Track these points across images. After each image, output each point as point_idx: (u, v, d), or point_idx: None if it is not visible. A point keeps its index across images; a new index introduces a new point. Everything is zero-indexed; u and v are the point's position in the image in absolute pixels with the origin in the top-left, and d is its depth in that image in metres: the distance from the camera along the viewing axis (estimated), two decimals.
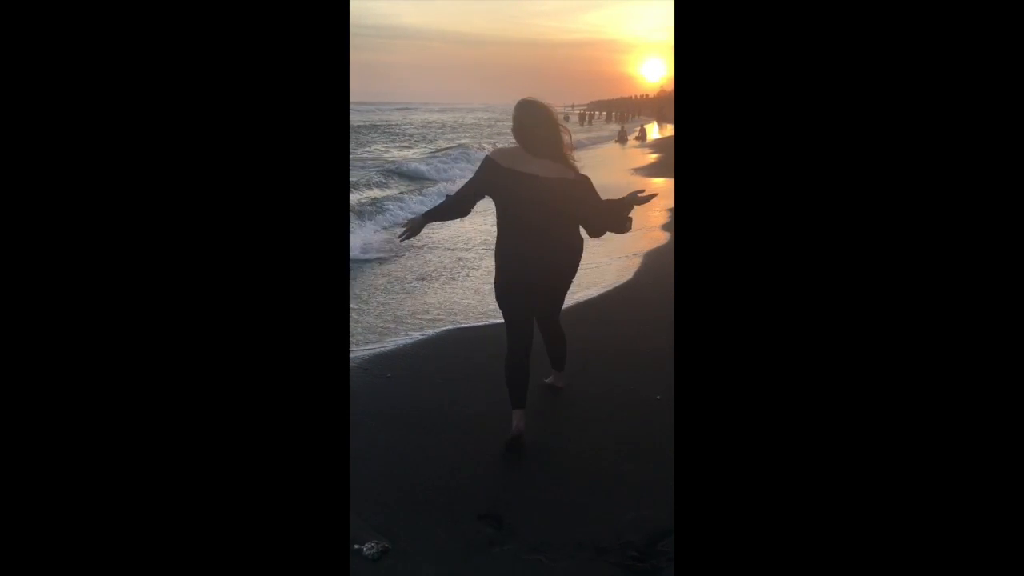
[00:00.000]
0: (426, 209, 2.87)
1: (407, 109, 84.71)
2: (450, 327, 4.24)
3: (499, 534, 2.11)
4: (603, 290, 5.04)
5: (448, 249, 6.72)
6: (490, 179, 2.52)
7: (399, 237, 2.69)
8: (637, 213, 2.70)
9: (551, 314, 2.84)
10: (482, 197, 2.61)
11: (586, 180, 2.57)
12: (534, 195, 2.47)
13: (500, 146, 2.83)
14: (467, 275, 5.69)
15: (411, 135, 30.12)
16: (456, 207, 2.63)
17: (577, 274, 2.74)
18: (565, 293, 2.81)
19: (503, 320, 2.71)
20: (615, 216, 2.63)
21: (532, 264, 2.56)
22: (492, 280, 2.73)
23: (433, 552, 2.03)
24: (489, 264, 5.58)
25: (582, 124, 44.52)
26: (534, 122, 2.49)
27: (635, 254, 6.28)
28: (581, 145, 15.27)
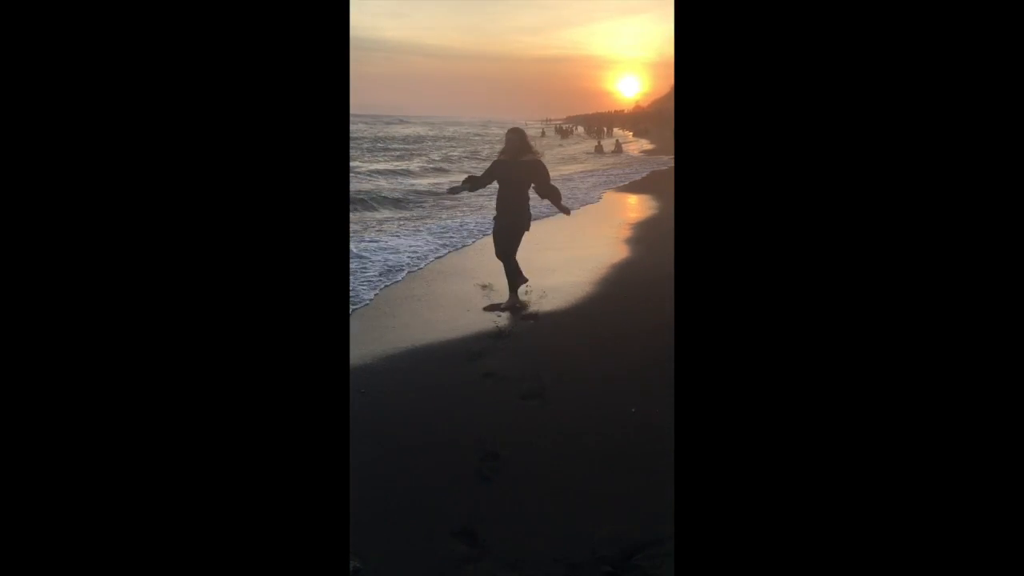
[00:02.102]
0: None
1: (394, 123, 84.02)
2: (423, 342, 4.22)
3: (473, 551, 2.09)
4: (576, 304, 5.06)
5: (421, 270, 6.71)
6: (493, 168, 5.01)
7: (448, 191, 5.34)
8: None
9: (510, 247, 4.94)
10: (493, 179, 4.96)
11: (538, 162, 4.96)
12: (506, 171, 4.92)
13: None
14: (438, 294, 5.68)
15: (391, 149, 30.06)
16: (480, 183, 4.98)
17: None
18: (519, 230, 4.92)
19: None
20: (553, 195, 4.98)
21: (500, 210, 4.98)
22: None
23: (406, 571, 2.00)
24: (454, 287, 5.61)
25: (564, 138, 44.91)
26: (515, 138, 4.97)
27: (603, 267, 6.32)
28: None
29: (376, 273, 6.03)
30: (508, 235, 4.91)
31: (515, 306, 4.84)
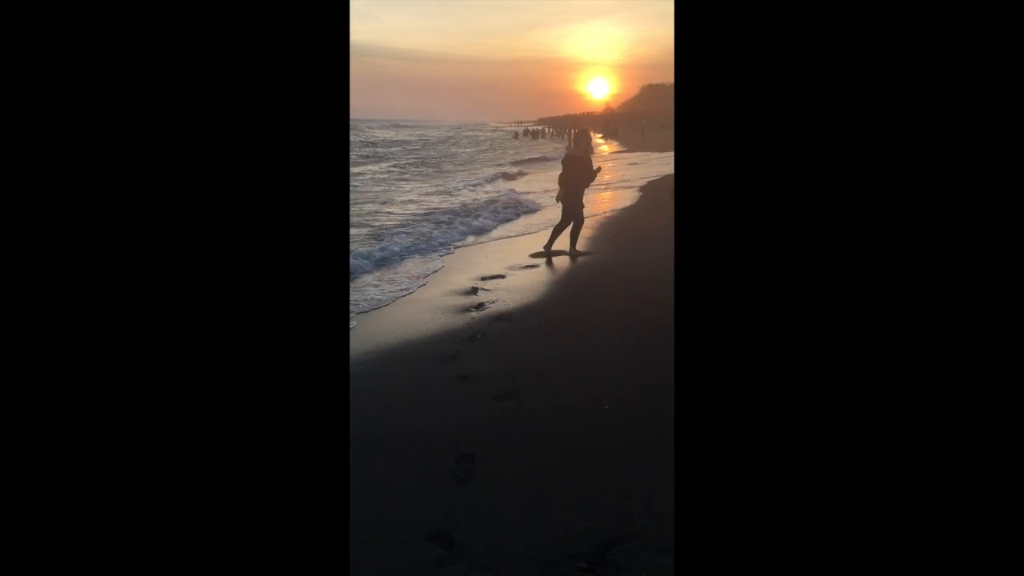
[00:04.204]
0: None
1: (385, 127, 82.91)
2: (397, 345, 4.20)
3: (449, 554, 2.09)
4: (547, 305, 5.08)
5: (389, 279, 6.68)
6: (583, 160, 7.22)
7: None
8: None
9: (573, 208, 7.10)
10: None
11: (587, 157, 7.14)
12: (568, 160, 7.23)
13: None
14: (410, 297, 5.67)
15: (364, 154, 29.88)
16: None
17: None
18: (579, 196, 7.06)
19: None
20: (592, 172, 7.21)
21: (562, 183, 7.20)
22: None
23: (381, 575, 1.99)
24: (426, 291, 5.65)
25: (534, 140, 45.03)
26: (581, 141, 7.41)
27: (574, 266, 6.35)
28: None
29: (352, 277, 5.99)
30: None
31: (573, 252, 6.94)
